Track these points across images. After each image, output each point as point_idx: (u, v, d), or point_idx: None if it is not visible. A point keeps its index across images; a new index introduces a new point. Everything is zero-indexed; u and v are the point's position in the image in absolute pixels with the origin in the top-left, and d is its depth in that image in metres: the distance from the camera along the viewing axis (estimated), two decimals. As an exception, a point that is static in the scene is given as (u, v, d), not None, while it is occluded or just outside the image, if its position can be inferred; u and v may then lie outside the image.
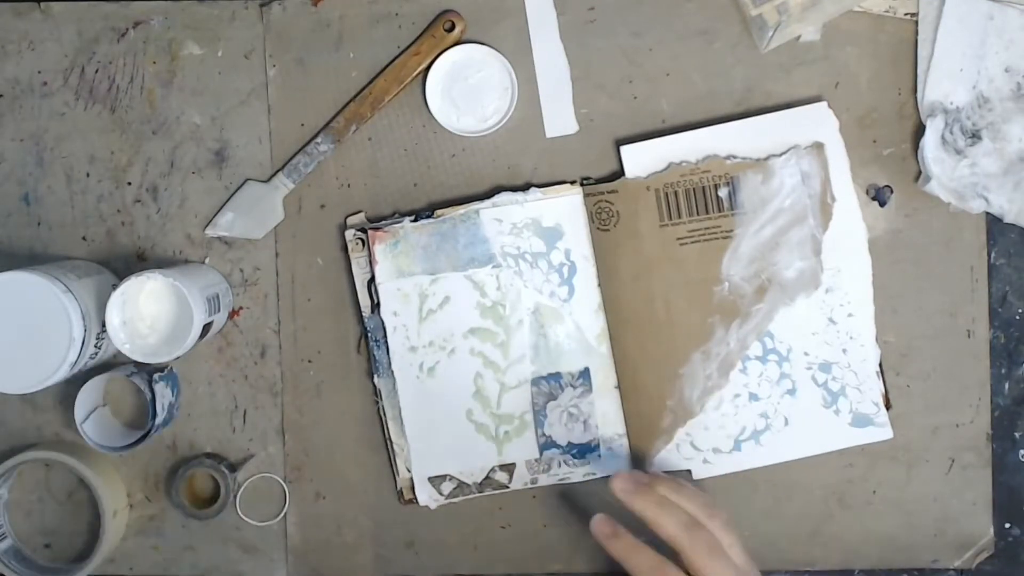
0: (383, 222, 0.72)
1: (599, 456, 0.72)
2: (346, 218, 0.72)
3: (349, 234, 0.72)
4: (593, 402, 0.71)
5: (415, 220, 0.71)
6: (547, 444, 0.72)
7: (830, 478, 0.72)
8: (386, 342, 0.72)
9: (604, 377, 0.71)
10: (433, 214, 0.71)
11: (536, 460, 0.72)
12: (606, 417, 0.71)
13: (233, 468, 0.73)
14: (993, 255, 0.72)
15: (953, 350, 0.72)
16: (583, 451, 0.72)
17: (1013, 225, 0.70)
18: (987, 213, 0.70)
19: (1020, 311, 0.72)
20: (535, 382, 0.71)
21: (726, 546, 0.63)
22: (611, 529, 0.64)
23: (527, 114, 0.72)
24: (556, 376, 0.71)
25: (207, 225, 0.73)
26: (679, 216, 0.70)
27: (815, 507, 0.72)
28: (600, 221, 0.70)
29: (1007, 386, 0.72)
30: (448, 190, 0.73)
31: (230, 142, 0.73)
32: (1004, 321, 0.72)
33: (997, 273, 0.72)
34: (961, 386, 0.72)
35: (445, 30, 0.71)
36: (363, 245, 0.72)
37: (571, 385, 0.71)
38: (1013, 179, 0.68)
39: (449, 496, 0.72)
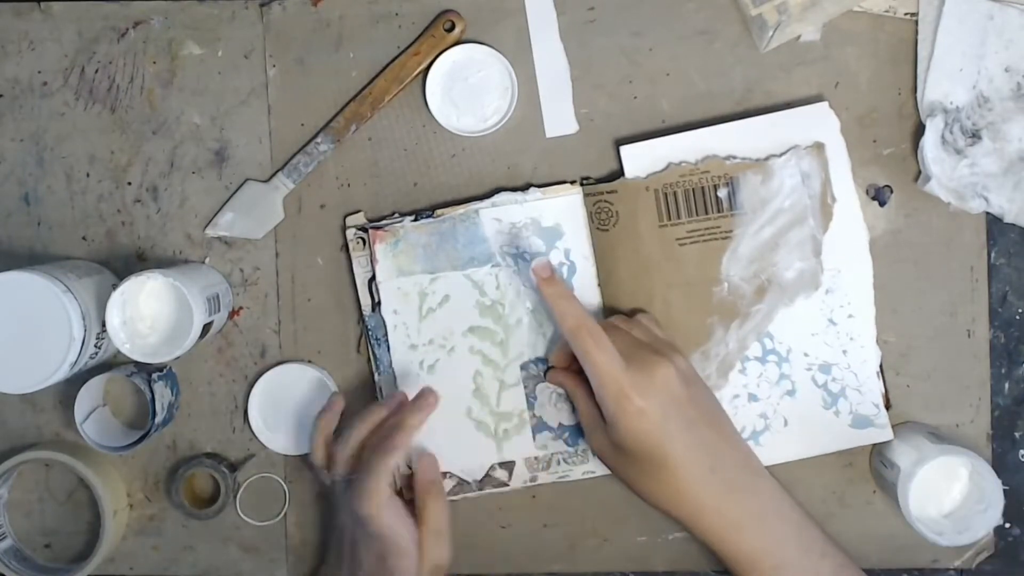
0: (384, 221, 0.72)
1: None
2: (345, 217, 0.72)
3: (350, 233, 0.72)
4: None
5: (415, 220, 0.71)
6: (539, 426, 0.72)
7: (830, 478, 0.72)
8: (387, 340, 0.72)
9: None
10: (433, 214, 0.71)
11: (535, 458, 0.72)
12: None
13: (233, 468, 0.73)
14: (993, 255, 0.72)
15: (953, 350, 0.72)
16: (575, 435, 0.72)
17: (1013, 225, 0.70)
18: (987, 213, 0.70)
19: (1020, 311, 0.72)
20: (524, 366, 0.71)
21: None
22: (549, 274, 0.66)
23: (527, 114, 0.72)
24: (544, 360, 0.71)
25: (207, 225, 0.73)
26: (678, 216, 0.70)
27: (815, 507, 0.72)
28: (599, 221, 0.70)
29: (1007, 386, 0.72)
30: (448, 190, 0.73)
31: (230, 142, 0.73)
32: (1004, 321, 0.72)
33: (997, 273, 0.72)
34: (961, 386, 0.72)
35: (445, 30, 0.71)
36: (364, 244, 0.72)
37: None
38: (1013, 179, 0.68)
39: (450, 494, 0.72)
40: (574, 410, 0.71)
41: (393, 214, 0.72)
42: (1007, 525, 0.72)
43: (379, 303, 0.72)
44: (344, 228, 0.72)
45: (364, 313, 0.72)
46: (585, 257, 0.71)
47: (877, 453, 0.71)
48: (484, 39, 0.72)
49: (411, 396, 0.70)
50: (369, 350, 0.72)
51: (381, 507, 0.64)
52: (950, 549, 0.72)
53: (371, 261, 0.71)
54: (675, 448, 0.62)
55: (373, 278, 0.72)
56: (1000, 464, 0.72)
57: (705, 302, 0.70)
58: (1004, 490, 0.66)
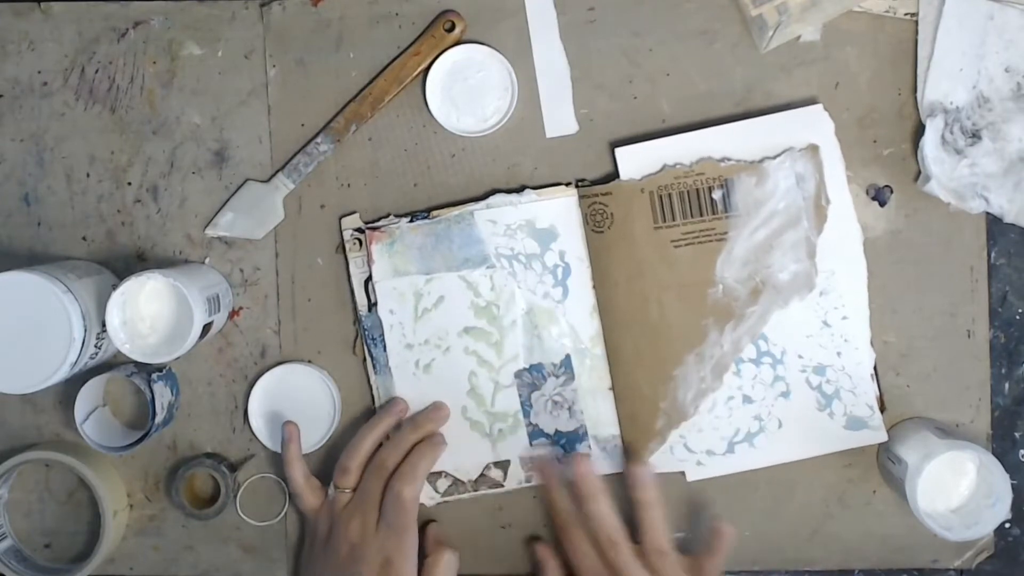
0: (380, 222, 0.72)
1: (589, 447, 0.72)
2: (341, 219, 0.72)
3: (347, 234, 0.72)
4: (576, 389, 0.71)
5: (411, 221, 0.71)
6: (535, 433, 0.72)
7: (830, 478, 0.72)
8: (383, 340, 0.72)
9: (598, 379, 0.71)
10: (429, 215, 0.71)
11: (531, 458, 0.72)
12: (600, 418, 0.71)
13: (233, 468, 0.73)
14: (993, 255, 0.72)
15: (953, 350, 0.72)
16: (572, 440, 0.72)
17: (1013, 225, 0.70)
18: (987, 213, 0.70)
19: (1020, 311, 0.72)
20: (518, 374, 0.72)
21: None
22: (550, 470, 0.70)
23: (527, 114, 0.72)
24: (539, 367, 0.72)
25: (207, 225, 0.73)
26: (673, 218, 0.70)
27: (815, 507, 0.72)
28: (594, 223, 0.70)
29: (1007, 386, 0.72)
30: (448, 190, 0.73)
31: (230, 142, 0.73)
32: (1004, 321, 0.72)
33: (997, 273, 0.72)
34: (961, 386, 0.72)
35: (445, 30, 0.71)
36: (360, 245, 0.72)
37: (554, 375, 0.71)
38: (1013, 179, 0.68)
39: (445, 494, 0.72)
40: (571, 416, 0.71)
41: (388, 215, 0.72)
42: (1007, 525, 0.72)
43: (375, 303, 0.72)
44: (341, 229, 0.72)
45: (360, 313, 0.72)
46: (580, 259, 0.71)
47: (884, 449, 0.71)
48: (484, 39, 0.72)
49: (406, 396, 0.72)
50: (365, 350, 0.72)
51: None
52: (950, 549, 0.72)
53: (367, 262, 0.71)
54: None
55: (369, 278, 0.72)
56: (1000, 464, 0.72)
57: (700, 304, 0.70)
58: (1012, 484, 0.66)
